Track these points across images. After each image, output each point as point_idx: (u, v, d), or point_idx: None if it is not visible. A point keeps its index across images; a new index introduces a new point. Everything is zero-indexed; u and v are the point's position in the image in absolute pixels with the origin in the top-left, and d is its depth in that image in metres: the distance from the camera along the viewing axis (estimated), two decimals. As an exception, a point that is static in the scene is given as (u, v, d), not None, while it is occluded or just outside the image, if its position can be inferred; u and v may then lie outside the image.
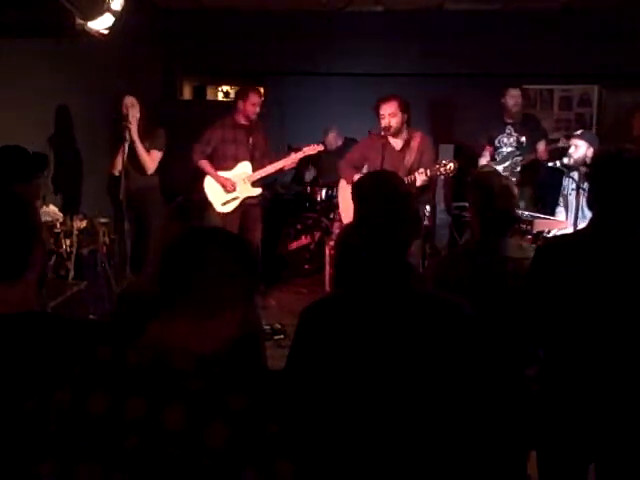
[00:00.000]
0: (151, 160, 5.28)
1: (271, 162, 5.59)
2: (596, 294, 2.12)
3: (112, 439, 1.10)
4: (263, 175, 5.58)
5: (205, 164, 5.54)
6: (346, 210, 5.34)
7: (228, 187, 5.48)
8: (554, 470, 2.27)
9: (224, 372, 1.18)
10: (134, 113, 5.14)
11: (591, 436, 2.16)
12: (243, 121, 5.55)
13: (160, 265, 1.27)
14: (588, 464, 2.25)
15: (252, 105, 5.48)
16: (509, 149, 5.82)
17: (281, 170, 5.69)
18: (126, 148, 5.06)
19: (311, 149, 5.61)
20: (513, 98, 5.79)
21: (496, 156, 5.89)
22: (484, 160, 5.92)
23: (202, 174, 5.58)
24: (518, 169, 5.73)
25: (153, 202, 5.33)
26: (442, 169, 4.61)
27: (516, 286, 2.43)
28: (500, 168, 5.74)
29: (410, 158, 4.93)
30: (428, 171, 4.67)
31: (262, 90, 8.49)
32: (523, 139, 5.79)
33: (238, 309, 1.28)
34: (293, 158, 5.57)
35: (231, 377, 1.17)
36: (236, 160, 5.55)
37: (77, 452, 1.11)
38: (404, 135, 4.95)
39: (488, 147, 5.95)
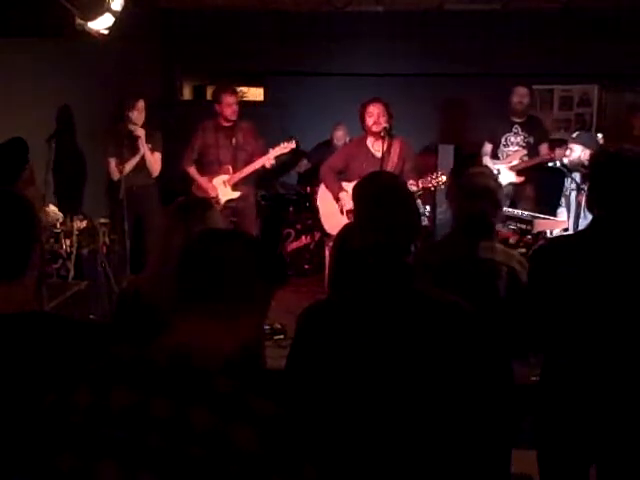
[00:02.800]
0: (156, 162, 5.35)
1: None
2: (597, 295, 2.12)
3: (136, 437, 1.09)
4: (241, 177, 5.52)
5: (192, 170, 5.55)
6: (327, 216, 5.29)
7: (210, 192, 5.46)
8: (555, 471, 2.27)
9: (249, 374, 1.18)
10: (142, 117, 5.23)
11: (592, 437, 2.15)
12: (224, 123, 5.51)
13: (180, 267, 1.28)
14: (589, 465, 2.25)
15: (228, 106, 5.43)
16: (515, 148, 5.75)
17: (261, 167, 5.59)
18: (142, 152, 5.14)
19: (282, 148, 5.54)
20: (518, 96, 5.74)
21: (499, 154, 5.82)
22: (487, 157, 5.85)
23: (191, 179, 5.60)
24: (521, 167, 5.65)
25: (150, 201, 5.35)
26: (434, 181, 4.72)
27: (489, 290, 2.43)
28: (504, 167, 5.69)
29: (392, 165, 4.92)
30: (420, 182, 4.77)
31: (263, 89, 8.51)
32: (531, 139, 5.72)
33: (257, 311, 1.29)
34: (262, 160, 5.48)
35: (256, 380, 1.17)
36: (219, 164, 5.52)
37: (99, 449, 1.10)
38: (385, 142, 4.90)
39: (487, 143, 5.88)
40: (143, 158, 5.29)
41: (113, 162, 5.32)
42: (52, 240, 4.34)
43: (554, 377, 2.25)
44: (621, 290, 2.10)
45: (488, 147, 5.89)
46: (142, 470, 1.08)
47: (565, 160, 4.75)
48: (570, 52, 7.12)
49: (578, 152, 4.68)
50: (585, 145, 4.71)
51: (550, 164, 4.92)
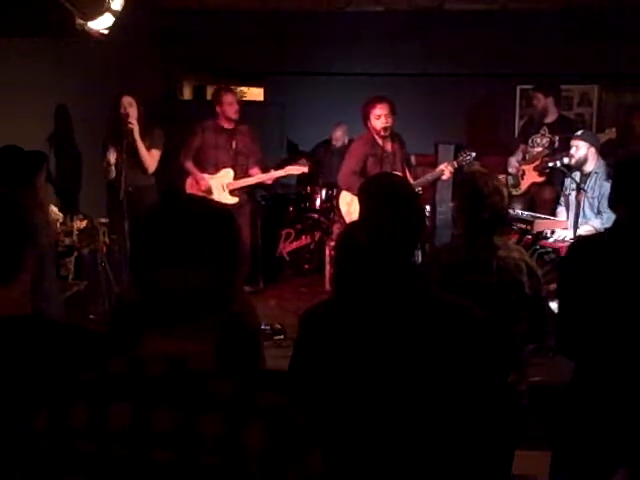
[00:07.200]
0: (152, 159, 5.24)
1: (257, 164, 5.51)
2: (625, 295, 2.11)
3: (143, 454, 1.05)
4: (242, 186, 5.46)
5: (189, 165, 5.47)
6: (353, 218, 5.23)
7: (201, 186, 5.39)
8: (576, 475, 2.25)
9: (246, 371, 1.14)
10: (133, 112, 5.11)
11: (622, 440, 2.14)
12: (226, 125, 5.44)
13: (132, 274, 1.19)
14: (614, 470, 2.23)
15: (228, 105, 5.37)
16: (539, 149, 5.69)
17: (261, 183, 5.58)
18: (123, 148, 5.02)
19: (294, 169, 5.52)
20: (535, 100, 5.74)
21: (526, 156, 5.77)
22: (514, 159, 5.80)
23: (187, 175, 5.52)
24: (547, 170, 5.51)
25: (149, 201, 5.30)
26: (468, 157, 4.97)
27: (501, 283, 2.45)
28: (529, 167, 5.64)
29: (401, 161, 5.02)
30: (455, 162, 4.99)
31: (263, 89, 8.52)
32: (556, 139, 5.63)
33: (231, 299, 1.19)
34: (271, 175, 5.47)
35: (254, 375, 1.14)
36: (217, 166, 5.43)
37: (107, 470, 1.06)
38: (391, 139, 4.98)
39: (522, 146, 5.84)
40: (139, 154, 5.15)
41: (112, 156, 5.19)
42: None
43: (585, 380, 2.23)
44: None
45: (522, 148, 5.84)
46: None
47: (566, 160, 4.74)
48: (570, 52, 7.12)
49: (584, 150, 4.67)
50: (590, 143, 4.70)
51: (550, 164, 4.91)
